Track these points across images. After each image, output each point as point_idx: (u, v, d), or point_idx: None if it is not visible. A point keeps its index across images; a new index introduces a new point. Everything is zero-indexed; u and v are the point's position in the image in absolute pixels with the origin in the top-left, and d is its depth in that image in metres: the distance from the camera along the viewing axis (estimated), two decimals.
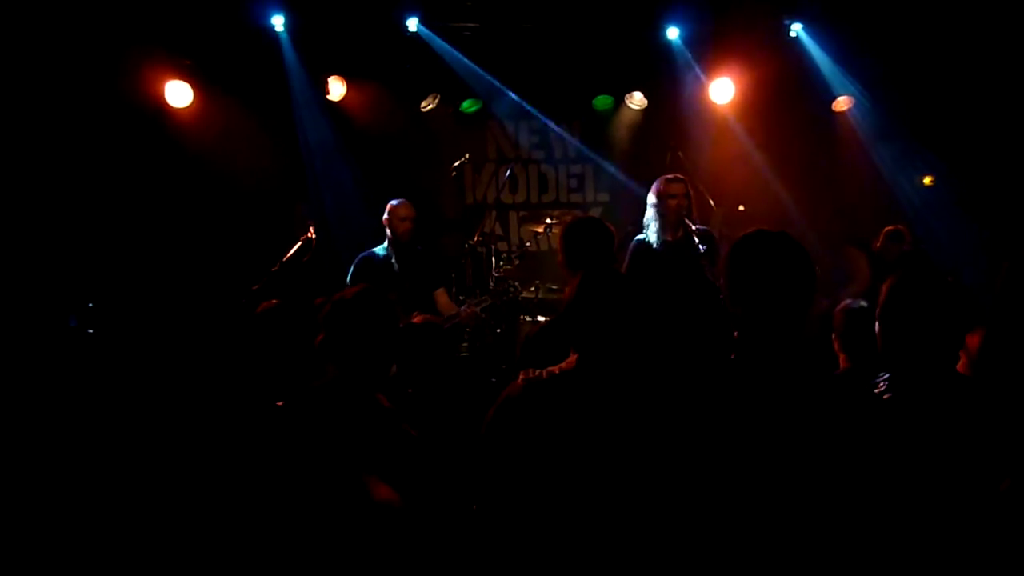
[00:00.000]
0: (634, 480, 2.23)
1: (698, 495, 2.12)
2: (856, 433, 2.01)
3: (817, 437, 2.01)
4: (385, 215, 5.57)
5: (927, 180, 7.07)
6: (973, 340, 2.68)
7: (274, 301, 3.40)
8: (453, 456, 2.51)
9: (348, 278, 5.50)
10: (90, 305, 6.00)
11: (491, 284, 6.14)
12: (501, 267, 6.22)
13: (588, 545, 2.22)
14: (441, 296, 5.74)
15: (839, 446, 1.99)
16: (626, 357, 2.37)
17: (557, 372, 2.39)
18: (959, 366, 2.67)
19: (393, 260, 5.55)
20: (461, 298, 6.22)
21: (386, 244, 5.62)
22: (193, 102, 6.62)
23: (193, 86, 6.59)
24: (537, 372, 2.40)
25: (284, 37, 6.69)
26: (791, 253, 2.19)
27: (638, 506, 2.21)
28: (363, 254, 5.62)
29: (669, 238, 4.86)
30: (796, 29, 7.24)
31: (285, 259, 5.28)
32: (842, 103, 7.39)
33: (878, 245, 5.96)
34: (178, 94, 6.54)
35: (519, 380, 2.41)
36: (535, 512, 2.27)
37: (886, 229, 5.68)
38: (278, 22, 6.60)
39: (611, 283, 2.45)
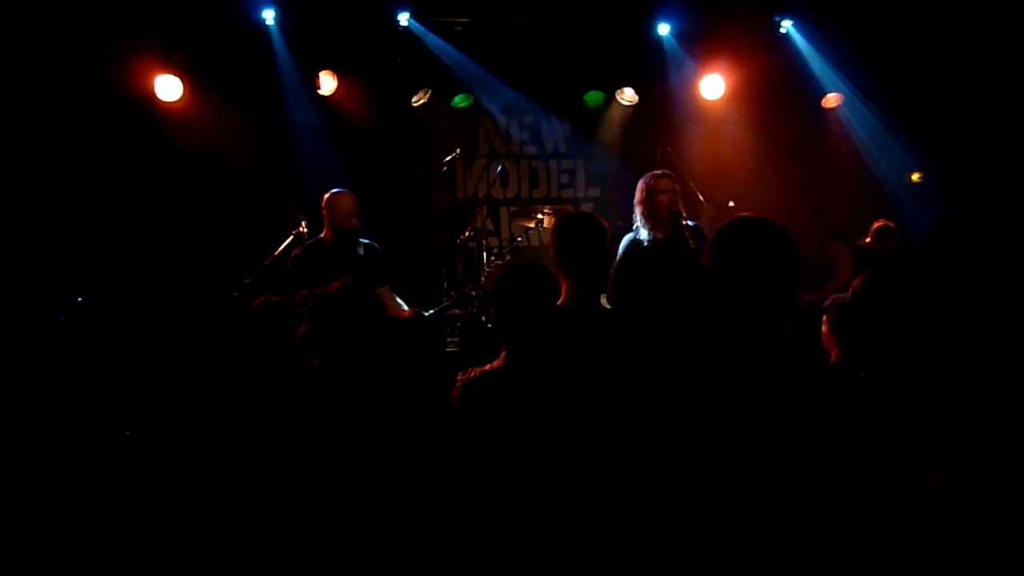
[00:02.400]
0: (570, 473, 2.26)
1: (644, 484, 2.14)
2: (828, 424, 2.04)
3: (787, 427, 2.04)
4: (326, 207, 5.24)
5: (915, 176, 7.11)
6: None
7: (273, 298, 3.39)
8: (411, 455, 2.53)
9: (288, 267, 5.20)
10: (79, 300, 5.99)
11: (482, 279, 6.16)
12: (492, 261, 6.23)
13: (532, 538, 2.25)
14: (386, 295, 5.30)
15: (808, 436, 2.02)
16: (553, 350, 2.42)
17: (488, 370, 2.45)
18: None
19: (333, 254, 5.20)
20: (453, 293, 6.24)
21: (323, 237, 5.28)
22: (183, 96, 6.58)
23: (183, 80, 6.56)
24: (469, 372, 2.46)
25: (275, 31, 6.66)
26: (775, 238, 2.23)
27: (577, 498, 2.24)
28: (298, 251, 5.29)
29: (659, 235, 4.87)
30: (786, 26, 7.27)
31: (277, 253, 5.28)
32: (831, 100, 7.42)
33: (868, 241, 5.99)
34: (168, 88, 6.51)
35: (457, 382, 2.47)
36: (484, 511, 2.31)
37: (876, 225, 5.71)
38: (269, 16, 6.58)
39: (531, 278, 2.50)
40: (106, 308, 5.95)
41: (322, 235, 5.32)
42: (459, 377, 2.48)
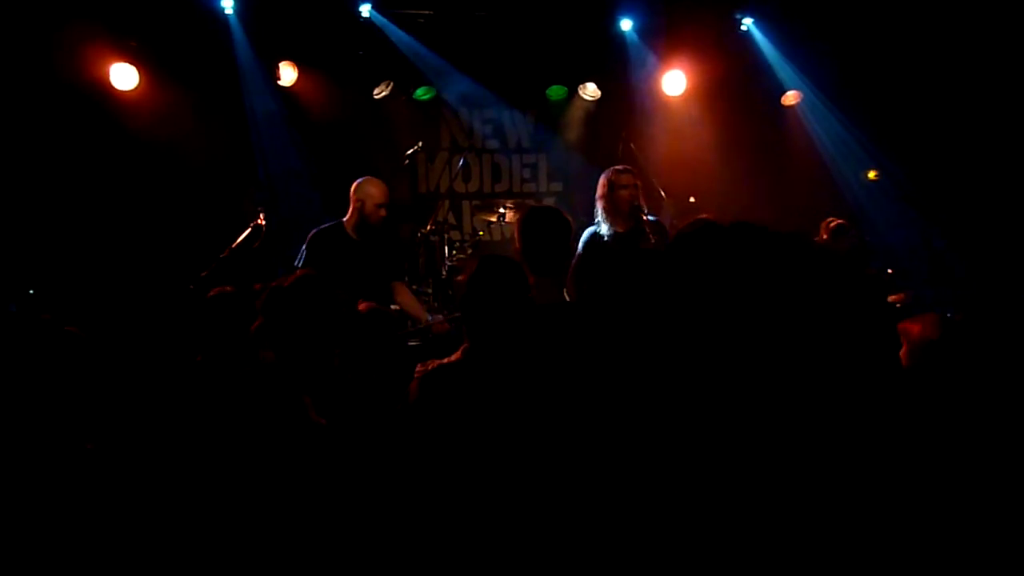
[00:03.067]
0: (527, 468, 2.27)
1: (604, 479, 2.16)
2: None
3: (745, 417, 2.07)
4: (357, 192, 4.94)
5: (871, 174, 7.23)
6: (914, 327, 2.75)
7: (228, 288, 3.34)
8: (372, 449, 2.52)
9: (302, 256, 4.96)
10: (31, 292, 5.85)
11: (443, 273, 6.14)
12: (454, 256, 6.22)
13: (491, 532, 2.25)
14: (402, 291, 5.21)
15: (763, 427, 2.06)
16: (515, 344, 2.42)
17: (445, 363, 2.47)
18: (900, 352, 2.76)
19: (354, 244, 4.96)
20: (414, 287, 6.19)
21: (346, 223, 5.01)
22: (139, 85, 6.45)
23: (139, 68, 6.43)
24: (427, 364, 2.46)
25: (234, 20, 6.56)
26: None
27: (536, 492, 2.25)
28: (316, 231, 5.01)
29: (620, 229, 4.90)
30: (747, 23, 7.35)
31: (234, 245, 5.19)
32: (790, 98, 7.52)
33: (824, 237, 6.08)
34: (123, 76, 6.37)
35: (415, 375, 2.46)
36: (441, 504, 2.31)
37: (831, 224, 5.80)
38: (228, 4, 6.47)
39: (500, 271, 2.50)
40: (58, 300, 5.83)
41: (345, 220, 5.01)
42: (417, 370, 2.47)
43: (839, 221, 5.68)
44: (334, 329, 2.54)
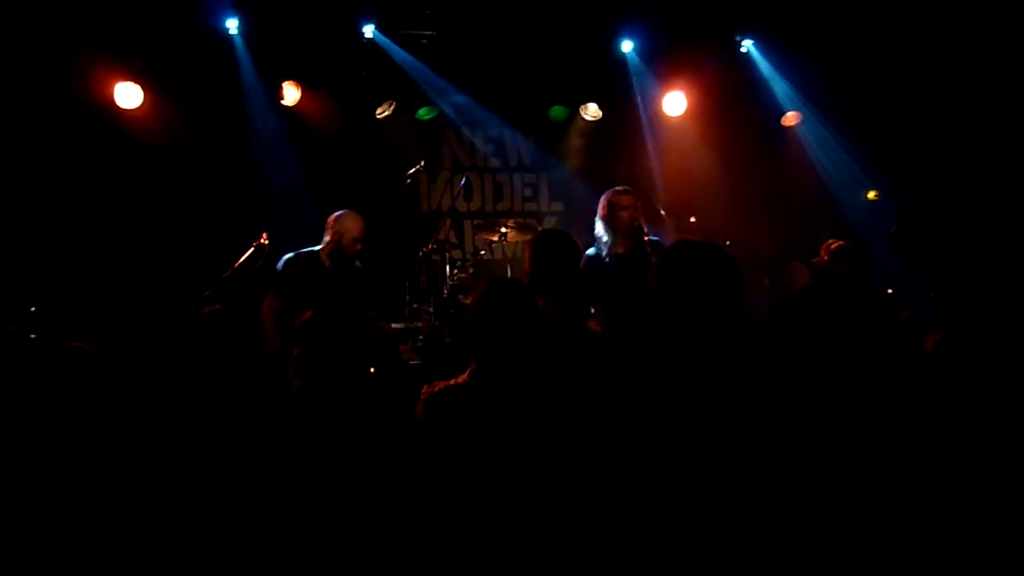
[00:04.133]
0: (530, 490, 2.28)
1: (607, 499, 2.18)
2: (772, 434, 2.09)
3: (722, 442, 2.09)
4: (336, 225, 5.16)
5: (871, 195, 7.26)
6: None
7: (217, 306, 3.36)
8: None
9: (276, 280, 5.13)
10: (32, 309, 5.86)
11: (445, 292, 6.15)
12: (455, 275, 6.23)
13: (494, 551, 2.26)
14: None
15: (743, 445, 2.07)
16: (519, 368, 2.43)
17: (452, 384, 2.47)
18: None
19: (328, 272, 5.15)
20: (415, 306, 6.21)
21: (321, 251, 5.21)
22: (144, 104, 6.50)
23: (144, 87, 6.48)
24: (434, 385, 2.47)
25: (238, 40, 6.62)
26: (715, 261, 2.31)
27: (536, 510, 2.26)
28: (292, 256, 5.18)
29: (621, 250, 4.91)
30: (747, 45, 7.41)
31: (237, 265, 5.21)
32: (790, 118, 7.57)
33: (824, 259, 6.10)
34: (128, 95, 6.42)
35: (422, 395, 2.48)
36: (445, 525, 2.32)
37: (832, 247, 5.82)
38: (232, 25, 6.53)
39: (509, 294, 2.52)
40: (60, 319, 5.85)
41: (320, 248, 5.22)
42: (423, 391, 2.49)
43: (840, 243, 5.70)
44: (368, 352, 2.57)
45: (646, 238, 4.83)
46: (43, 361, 2.60)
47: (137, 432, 2.75)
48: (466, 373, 2.49)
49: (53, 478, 2.48)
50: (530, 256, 3.24)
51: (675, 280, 2.29)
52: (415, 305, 6.21)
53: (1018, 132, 6.65)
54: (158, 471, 2.71)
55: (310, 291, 4.89)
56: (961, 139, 6.99)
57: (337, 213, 5.23)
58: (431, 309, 6.16)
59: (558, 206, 7.99)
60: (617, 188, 5.04)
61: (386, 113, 7.21)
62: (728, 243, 6.29)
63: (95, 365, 2.63)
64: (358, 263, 5.33)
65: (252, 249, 5.23)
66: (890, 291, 6.12)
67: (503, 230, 6.30)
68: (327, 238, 5.19)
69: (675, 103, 7.34)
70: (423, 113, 7.40)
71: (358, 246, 5.16)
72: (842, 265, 5.52)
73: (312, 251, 5.23)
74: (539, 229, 6.67)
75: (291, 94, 6.84)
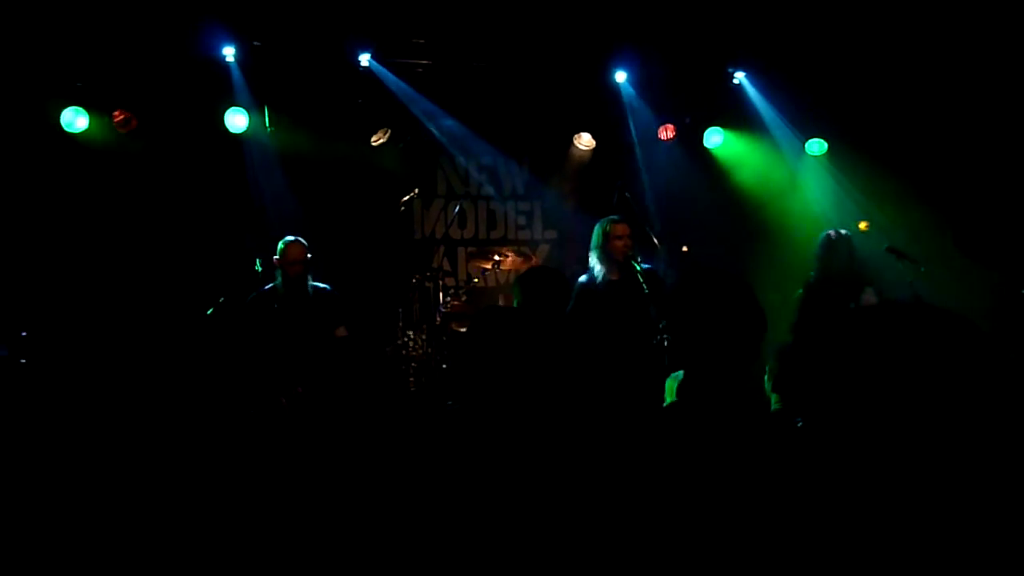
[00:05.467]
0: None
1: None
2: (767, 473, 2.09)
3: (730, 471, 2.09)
4: (277, 253, 5.51)
5: (862, 225, 7.30)
6: None
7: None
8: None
9: (242, 310, 5.46)
10: (23, 334, 5.83)
11: (438, 319, 6.16)
12: (448, 302, 6.24)
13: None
14: (340, 332, 5.64)
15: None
16: (514, 393, 2.42)
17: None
18: None
19: (282, 298, 5.48)
20: (410, 333, 6.21)
21: (275, 283, 5.55)
22: (139, 131, 6.53)
23: (139, 115, 6.51)
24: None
25: (234, 68, 6.67)
26: (740, 292, 2.31)
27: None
28: (253, 295, 5.53)
29: (614, 277, 4.94)
30: (739, 77, 7.50)
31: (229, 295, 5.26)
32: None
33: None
34: (124, 122, 6.44)
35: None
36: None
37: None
38: (229, 53, 6.58)
39: (503, 322, 2.50)
40: (50, 343, 5.82)
41: (278, 281, 5.53)
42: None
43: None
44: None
45: (639, 267, 4.87)
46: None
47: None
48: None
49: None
50: (520, 291, 3.27)
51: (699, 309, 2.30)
52: (409, 332, 6.21)
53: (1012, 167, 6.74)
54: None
55: (266, 320, 5.33)
56: (955, 172, 7.08)
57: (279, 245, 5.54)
58: (424, 336, 6.16)
59: (551, 233, 8.02)
60: (612, 217, 5.08)
61: (381, 141, 7.25)
62: (685, 249, 6.33)
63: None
64: (322, 285, 5.59)
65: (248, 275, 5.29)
66: None
67: (496, 258, 6.32)
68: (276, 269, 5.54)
69: (669, 133, 7.43)
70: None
71: (296, 268, 5.45)
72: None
73: (272, 285, 5.56)
74: (533, 258, 6.70)
75: (286, 121, 6.88)
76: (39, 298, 6.15)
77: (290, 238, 5.54)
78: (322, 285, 5.59)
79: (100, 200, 6.48)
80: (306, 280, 5.49)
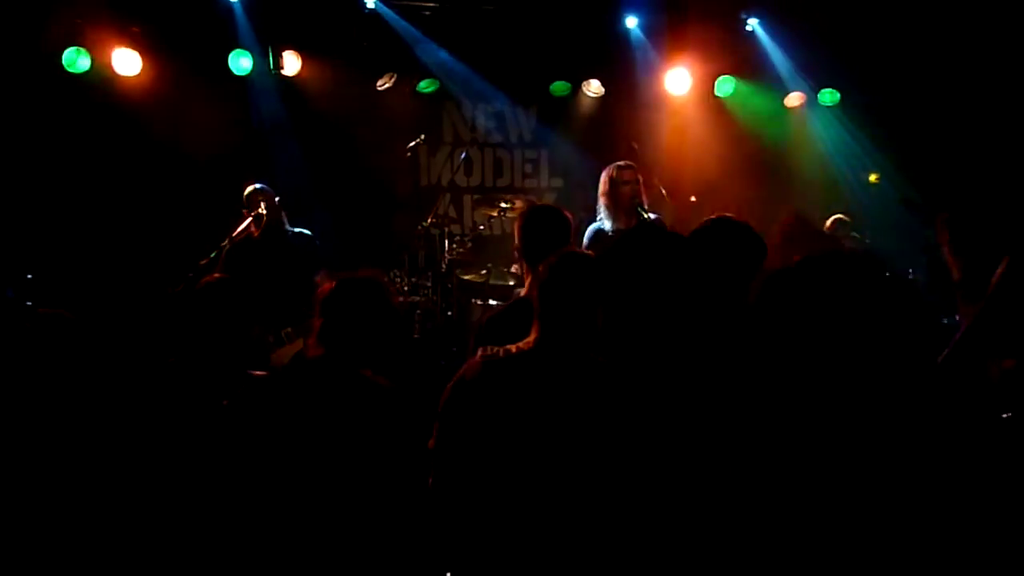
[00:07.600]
0: (587, 459, 2.28)
1: (649, 475, 2.20)
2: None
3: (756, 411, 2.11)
4: (244, 205, 5.25)
5: (872, 177, 7.23)
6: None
7: (216, 275, 3.35)
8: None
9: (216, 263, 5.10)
10: (29, 277, 5.84)
11: (443, 267, 6.14)
12: (454, 249, 6.21)
13: (542, 521, 2.26)
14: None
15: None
16: (587, 338, 2.41)
17: (515, 351, 2.41)
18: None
19: (259, 244, 5.22)
20: (413, 280, 6.20)
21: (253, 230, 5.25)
22: (142, 71, 6.45)
23: (142, 54, 6.42)
24: (495, 350, 2.42)
25: (238, 9, 6.55)
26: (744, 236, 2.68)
27: (591, 484, 2.26)
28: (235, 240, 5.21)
29: (622, 226, 4.89)
30: (752, 24, 7.34)
31: (234, 234, 5.17)
32: (794, 99, 7.52)
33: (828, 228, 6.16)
34: (126, 62, 6.36)
35: (477, 357, 2.43)
36: (490, 489, 2.31)
37: (835, 217, 5.80)
38: None
39: (583, 265, 2.50)
40: (56, 287, 5.83)
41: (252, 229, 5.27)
42: (480, 353, 2.44)
43: (839, 216, 5.71)
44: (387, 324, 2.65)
45: (646, 215, 4.81)
46: (23, 326, 2.59)
47: (121, 399, 2.74)
48: (530, 339, 2.44)
49: (31, 444, 2.47)
50: (519, 231, 3.22)
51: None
52: (413, 279, 6.20)
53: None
54: (146, 438, 2.71)
55: (244, 267, 5.00)
56: (967, 123, 6.97)
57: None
58: (429, 283, 6.15)
59: (558, 182, 7.95)
60: (619, 163, 5.02)
61: (387, 85, 7.15)
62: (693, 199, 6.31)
63: (75, 331, 2.62)
64: (300, 230, 5.36)
65: (250, 219, 5.18)
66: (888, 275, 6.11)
67: (503, 205, 6.27)
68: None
69: (679, 81, 7.29)
70: (424, 86, 7.33)
71: (271, 214, 5.16)
72: (844, 234, 5.51)
73: (248, 235, 5.25)
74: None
75: (292, 64, 6.79)
76: (46, 243, 6.15)
77: (257, 185, 5.30)
78: (298, 229, 5.38)
79: (102, 142, 6.43)
80: (281, 225, 5.28)
